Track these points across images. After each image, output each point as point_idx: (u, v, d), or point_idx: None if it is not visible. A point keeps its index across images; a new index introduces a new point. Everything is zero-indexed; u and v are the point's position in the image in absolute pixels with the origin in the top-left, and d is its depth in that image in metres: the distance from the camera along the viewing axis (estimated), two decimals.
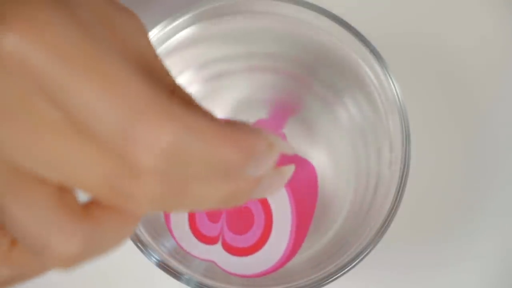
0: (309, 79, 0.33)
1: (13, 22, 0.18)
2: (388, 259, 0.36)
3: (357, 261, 0.30)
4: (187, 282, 0.30)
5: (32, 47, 0.18)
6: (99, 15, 0.20)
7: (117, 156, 0.19)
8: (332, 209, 0.32)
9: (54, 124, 0.19)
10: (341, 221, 0.32)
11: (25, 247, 0.21)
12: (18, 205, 0.19)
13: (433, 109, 0.37)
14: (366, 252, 0.30)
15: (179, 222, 0.31)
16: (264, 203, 0.31)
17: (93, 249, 0.20)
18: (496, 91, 0.37)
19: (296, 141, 0.32)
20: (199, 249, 0.31)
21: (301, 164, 0.32)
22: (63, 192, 0.20)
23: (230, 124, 0.20)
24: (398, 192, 0.30)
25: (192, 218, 0.31)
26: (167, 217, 0.31)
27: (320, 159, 0.32)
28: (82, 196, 0.21)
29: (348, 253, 0.30)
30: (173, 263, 0.30)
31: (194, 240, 0.31)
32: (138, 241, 0.30)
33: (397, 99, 0.31)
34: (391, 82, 0.31)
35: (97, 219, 0.20)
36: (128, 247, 0.35)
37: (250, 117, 0.32)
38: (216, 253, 0.31)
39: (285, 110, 0.32)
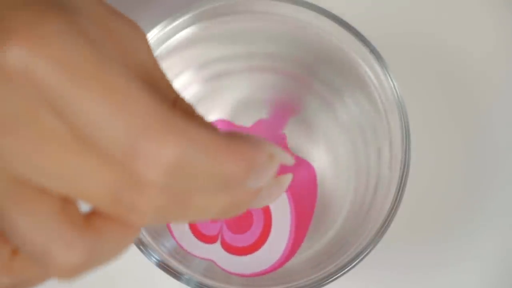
0: (309, 79, 0.33)
1: (17, 34, 0.18)
2: (388, 259, 0.36)
3: (357, 261, 0.30)
4: (187, 282, 0.30)
5: (37, 59, 0.18)
6: (103, 26, 0.20)
7: (121, 169, 0.19)
8: (332, 209, 0.32)
9: (58, 136, 0.19)
10: (341, 221, 0.32)
11: (26, 257, 0.21)
12: (20, 214, 0.19)
13: (433, 109, 0.37)
14: (366, 252, 0.30)
15: None
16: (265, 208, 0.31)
17: (94, 259, 0.20)
18: (496, 91, 0.37)
19: (296, 140, 0.32)
20: (199, 248, 0.31)
21: (301, 165, 0.32)
22: (65, 202, 0.20)
23: (231, 136, 0.20)
24: (398, 192, 0.30)
25: None
26: None
27: (320, 158, 0.32)
28: (84, 206, 0.21)
29: (348, 253, 0.30)
30: (173, 263, 0.30)
31: (194, 239, 0.31)
32: (139, 242, 0.30)
33: (397, 99, 0.31)
34: (391, 82, 0.31)
35: (98, 230, 0.20)
36: (128, 247, 0.35)
37: (250, 117, 0.32)
38: (215, 252, 0.31)
39: (286, 110, 0.32)
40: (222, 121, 0.32)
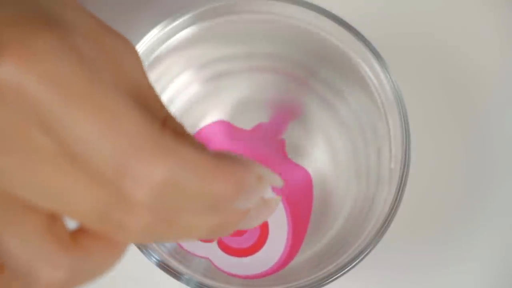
0: (309, 79, 0.33)
1: (10, 50, 0.18)
2: (388, 259, 0.36)
3: (357, 261, 0.30)
4: (187, 282, 0.30)
5: (29, 76, 0.18)
6: (95, 42, 0.20)
7: (110, 187, 0.19)
8: (332, 209, 0.32)
9: (47, 153, 0.19)
10: (341, 221, 0.32)
11: (12, 274, 0.21)
12: (7, 231, 0.19)
13: (434, 109, 0.37)
14: (366, 252, 0.30)
15: None
16: None
17: (79, 277, 0.20)
18: (496, 91, 0.37)
19: (296, 140, 0.32)
20: (196, 247, 0.31)
21: (297, 170, 0.32)
22: (52, 219, 0.20)
23: (220, 156, 0.20)
24: (398, 192, 0.30)
25: None
26: None
27: (320, 158, 0.32)
28: (71, 223, 0.21)
29: (348, 253, 0.30)
30: (173, 263, 0.30)
31: None
32: None
33: (397, 99, 0.31)
34: (391, 82, 0.31)
35: (84, 248, 0.20)
36: (128, 247, 0.35)
37: (250, 118, 0.32)
38: (211, 251, 0.31)
39: (286, 115, 0.32)
40: (222, 122, 0.32)
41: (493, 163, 0.37)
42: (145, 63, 0.32)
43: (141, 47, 0.32)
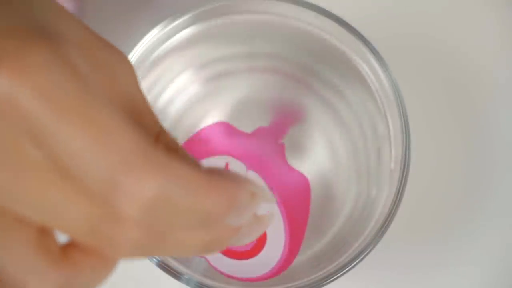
0: (309, 79, 0.33)
1: (3, 63, 0.18)
2: (388, 259, 0.36)
3: (357, 261, 0.30)
4: (187, 282, 0.30)
5: (21, 89, 0.18)
6: (90, 56, 0.20)
7: (100, 202, 0.19)
8: (332, 209, 0.32)
9: (38, 166, 0.19)
10: (341, 221, 0.32)
11: (1, 286, 0.21)
12: None
13: (434, 109, 0.37)
14: (366, 252, 0.30)
15: None
16: None
17: None
18: (496, 91, 0.37)
19: (296, 140, 0.32)
20: None
21: (295, 176, 0.32)
22: (43, 233, 0.20)
23: (213, 173, 0.20)
24: (398, 192, 0.30)
25: None
26: None
27: (320, 158, 0.32)
28: (62, 237, 0.21)
29: (348, 253, 0.30)
30: (173, 263, 0.30)
31: None
32: None
33: (397, 99, 0.31)
34: (391, 82, 0.31)
35: (74, 262, 0.20)
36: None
37: (250, 118, 0.32)
38: None
39: (286, 119, 0.32)
40: (222, 123, 0.32)
41: (493, 163, 0.37)
42: (145, 63, 0.32)
43: (141, 47, 0.32)
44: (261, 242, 0.31)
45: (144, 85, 0.32)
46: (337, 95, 0.32)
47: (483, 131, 0.37)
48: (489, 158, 0.37)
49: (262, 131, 0.32)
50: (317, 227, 0.32)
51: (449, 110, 0.37)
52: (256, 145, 0.32)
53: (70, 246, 0.20)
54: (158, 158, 0.19)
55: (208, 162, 0.32)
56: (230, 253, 0.31)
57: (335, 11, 0.32)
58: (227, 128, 0.32)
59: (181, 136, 0.32)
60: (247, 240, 0.23)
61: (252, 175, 0.31)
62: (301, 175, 0.31)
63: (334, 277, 0.30)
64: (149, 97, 0.32)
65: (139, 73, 0.32)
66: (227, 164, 0.31)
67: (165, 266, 0.30)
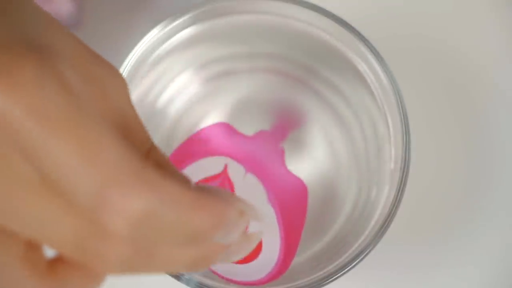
0: (309, 79, 0.33)
1: None
2: (388, 259, 0.36)
3: (357, 261, 0.30)
4: (187, 282, 0.30)
5: (12, 105, 0.18)
6: (83, 71, 0.20)
7: (88, 218, 0.19)
8: (332, 209, 0.32)
9: (28, 181, 0.19)
10: (341, 221, 0.32)
11: None
12: None
13: (434, 109, 0.37)
14: (366, 252, 0.30)
15: None
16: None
17: None
18: (496, 91, 0.37)
19: (296, 140, 0.32)
20: None
21: (293, 181, 0.32)
22: (31, 247, 0.20)
23: (203, 190, 0.20)
24: (398, 192, 0.30)
25: None
26: None
27: (320, 158, 0.32)
28: (50, 251, 0.21)
29: (348, 253, 0.30)
30: None
31: None
32: None
33: (397, 99, 0.31)
34: (391, 82, 0.31)
35: (61, 277, 0.20)
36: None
37: (250, 119, 0.32)
38: None
39: (287, 124, 0.32)
40: (222, 124, 0.32)
41: (493, 163, 0.37)
42: (145, 63, 0.32)
43: (141, 47, 0.32)
44: (257, 247, 0.31)
45: (144, 85, 0.32)
46: (337, 95, 0.32)
47: (483, 131, 0.37)
48: (489, 158, 0.37)
49: (263, 135, 0.32)
50: (317, 227, 0.32)
51: (449, 110, 0.37)
52: (256, 149, 0.32)
53: (57, 261, 0.21)
54: (147, 175, 0.19)
55: (207, 162, 0.32)
56: None
57: (335, 11, 0.32)
58: (227, 129, 0.32)
59: (181, 136, 0.32)
60: (235, 258, 0.23)
61: (251, 177, 0.31)
62: (299, 181, 0.32)
63: (334, 277, 0.30)
64: (149, 97, 0.32)
65: (139, 73, 0.32)
66: (226, 165, 0.31)
67: None
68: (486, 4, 0.38)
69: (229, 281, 0.31)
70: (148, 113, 0.32)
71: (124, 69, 0.31)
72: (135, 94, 0.32)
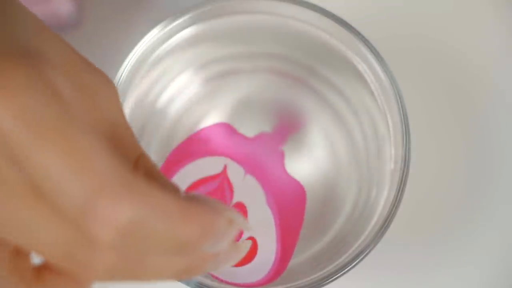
0: (309, 79, 0.33)
1: None
2: (388, 259, 0.36)
3: (357, 261, 0.30)
4: (187, 282, 0.30)
5: (1, 110, 0.18)
6: (74, 79, 0.20)
7: (75, 226, 0.19)
8: (332, 209, 0.32)
9: (15, 187, 0.19)
10: (341, 221, 0.32)
11: None
12: None
13: (434, 109, 0.37)
14: (366, 252, 0.30)
15: None
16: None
17: None
18: (496, 92, 0.37)
19: (296, 140, 0.32)
20: None
21: (293, 185, 0.32)
22: (18, 254, 0.20)
23: (192, 199, 0.20)
24: (398, 192, 0.30)
25: None
26: None
27: (320, 158, 0.32)
28: (37, 258, 0.21)
29: (348, 253, 0.30)
30: None
31: None
32: None
33: (397, 99, 0.31)
34: (391, 82, 0.31)
35: (47, 284, 0.20)
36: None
37: (251, 119, 0.32)
38: None
39: (288, 127, 0.32)
40: (222, 124, 0.32)
41: (493, 163, 0.37)
42: (145, 63, 0.32)
43: (141, 47, 0.32)
44: (252, 249, 0.31)
45: (144, 85, 0.32)
46: (337, 95, 0.32)
47: (483, 131, 0.37)
48: (489, 158, 0.37)
49: (264, 137, 0.32)
50: (317, 227, 0.32)
51: (449, 110, 0.37)
52: (256, 150, 0.32)
53: (44, 268, 0.21)
54: (135, 184, 0.19)
55: (207, 161, 0.32)
56: None
57: (335, 11, 0.32)
58: (228, 129, 0.32)
59: (181, 136, 0.32)
60: (224, 266, 0.23)
61: (250, 179, 0.31)
62: (298, 184, 0.32)
63: (334, 277, 0.30)
64: (149, 97, 0.32)
65: (139, 73, 0.32)
66: (225, 166, 0.31)
67: None
68: (486, 4, 0.38)
69: (228, 283, 0.31)
70: (148, 113, 0.32)
71: (124, 69, 0.31)
72: (135, 94, 0.32)
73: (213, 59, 0.33)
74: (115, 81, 0.31)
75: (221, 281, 0.31)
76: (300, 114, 0.32)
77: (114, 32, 0.38)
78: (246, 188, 0.31)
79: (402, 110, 0.31)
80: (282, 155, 0.32)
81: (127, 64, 0.31)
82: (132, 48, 0.34)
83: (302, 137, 0.32)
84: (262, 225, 0.31)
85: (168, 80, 0.33)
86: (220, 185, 0.31)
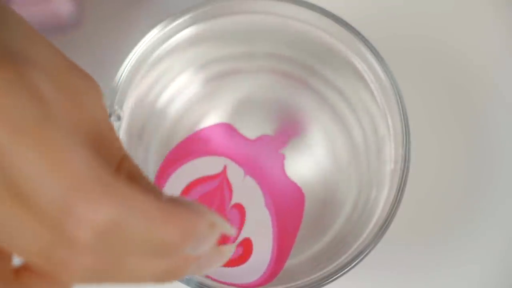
0: (309, 79, 0.33)
1: None
2: (388, 259, 0.36)
3: (357, 261, 0.30)
4: (187, 282, 0.30)
5: None
6: (57, 80, 0.20)
7: (53, 226, 0.19)
8: (332, 209, 0.32)
9: None
10: (341, 221, 0.32)
11: None
12: None
13: (434, 109, 0.37)
14: (366, 252, 0.30)
15: None
16: (242, 219, 0.31)
17: None
18: (496, 92, 0.37)
19: (296, 140, 0.32)
20: None
21: (292, 188, 0.32)
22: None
23: (173, 202, 0.20)
24: (398, 192, 0.30)
25: None
26: None
27: (320, 158, 0.32)
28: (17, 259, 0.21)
29: (348, 253, 0.30)
30: None
31: None
32: None
33: (397, 99, 0.31)
34: (391, 82, 0.31)
35: (26, 285, 0.20)
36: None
37: (250, 118, 0.32)
38: None
39: (290, 131, 0.32)
40: (223, 124, 0.32)
41: (493, 163, 0.37)
42: (145, 63, 0.32)
43: (141, 47, 0.32)
44: (248, 249, 0.31)
45: (144, 85, 0.32)
46: (337, 95, 0.32)
47: (483, 131, 0.37)
48: (489, 158, 0.37)
49: (265, 139, 0.32)
50: (317, 227, 0.32)
51: (449, 110, 0.37)
52: (257, 153, 0.32)
53: (24, 269, 0.20)
54: (114, 185, 0.19)
55: (206, 161, 0.32)
56: None
57: (335, 11, 0.32)
58: (229, 130, 0.32)
59: (181, 136, 0.32)
60: (205, 270, 0.23)
61: (249, 180, 0.31)
62: (297, 188, 0.32)
63: (334, 277, 0.30)
64: (149, 97, 0.32)
65: (139, 73, 0.32)
66: (225, 166, 0.32)
67: None
68: (486, 4, 0.38)
69: (224, 284, 0.31)
70: (148, 113, 0.32)
71: (124, 69, 0.31)
72: (135, 94, 0.32)
73: (213, 59, 0.33)
74: (115, 81, 0.31)
75: (215, 280, 0.31)
76: (301, 118, 0.32)
77: (114, 32, 0.38)
78: (245, 189, 0.31)
79: (402, 110, 0.31)
80: (282, 158, 0.32)
81: (127, 64, 0.31)
82: (132, 48, 0.34)
83: (302, 137, 0.32)
84: (260, 227, 0.31)
85: (168, 80, 0.33)
86: (219, 185, 0.31)
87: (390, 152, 0.32)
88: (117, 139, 0.22)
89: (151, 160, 0.32)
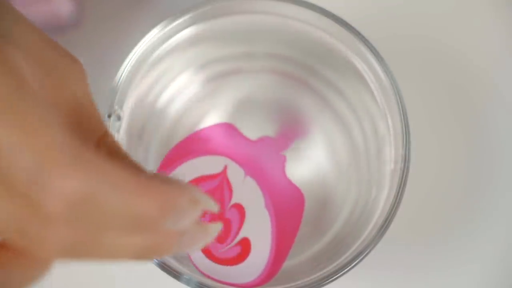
0: (309, 79, 0.33)
1: None
2: (388, 259, 0.36)
3: (357, 261, 0.30)
4: (187, 282, 0.30)
5: None
6: (39, 60, 0.20)
7: (26, 200, 0.18)
8: (332, 209, 0.32)
9: None
10: (341, 221, 0.32)
11: None
12: None
13: (434, 109, 0.37)
14: (366, 252, 0.30)
15: None
16: (242, 219, 0.31)
17: None
18: (496, 92, 0.37)
19: (296, 140, 0.32)
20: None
21: (292, 189, 0.32)
22: None
23: (153, 178, 0.20)
24: (398, 192, 0.30)
25: None
26: None
27: (320, 158, 0.32)
28: None
29: (348, 253, 0.30)
30: (173, 263, 0.30)
31: None
32: None
33: (397, 99, 0.31)
34: (391, 82, 0.31)
35: (3, 263, 0.20)
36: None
37: (250, 118, 0.32)
38: (198, 259, 0.31)
39: (292, 133, 0.32)
40: (224, 124, 0.32)
41: (493, 163, 0.37)
42: (145, 63, 0.32)
43: (141, 47, 0.32)
44: (246, 249, 0.31)
45: (144, 85, 0.32)
46: (337, 95, 0.32)
47: (483, 131, 0.37)
48: (489, 158, 0.37)
49: (267, 141, 0.32)
50: (317, 228, 0.32)
51: (449, 110, 0.37)
52: (258, 153, 0.32)
53: (0, 247, 0.20)
54: (88, 157, 0.18)
55: (207, 160, 0.32)
56: (217, 260, 0.31)
57: (335, 11, 0.32)
58: (230, 130, 0.32)
59: (181, 136, 0.32)
60: (189, 248, 0.23)
61: (250, 181, 0.31)
62: (297, 190, 0.32)
63: (334, 277, 0.30)
64: (149, 97, 0.32)
65: (139, 73, 0.32)
66: (225, 166, 0.31)
67: (165, 266, 0.30)
68: (486, 4, 0.38)
69: (222, 283, 0.31)
70: (148, 113, 0.32)
71: (124, 69, 0.31)
72: (135, 94, 0.32)
73: (213, 59, 0.33)
74: (115, 81, 0.31)
75: (213, 279, 0.31)
76: (302, 119, 0.32)
77: (114, 32, 0.38)
78: (245, 190, 0.31)
79: (402, 110, 0.31)
80: (283, 160, 0.32)
81: (127, 64, 0.31)
82: (132, 48, 0.34)
83: (302, 139, 0.32)
84: (259, 227, 0.31)
85: (168, 80, 0.33)
86: (219, 185, 0.31)
87: (390, 152, 0.32)
88: (98, 115, 0.22)
89: (151, 160, 0.32)
